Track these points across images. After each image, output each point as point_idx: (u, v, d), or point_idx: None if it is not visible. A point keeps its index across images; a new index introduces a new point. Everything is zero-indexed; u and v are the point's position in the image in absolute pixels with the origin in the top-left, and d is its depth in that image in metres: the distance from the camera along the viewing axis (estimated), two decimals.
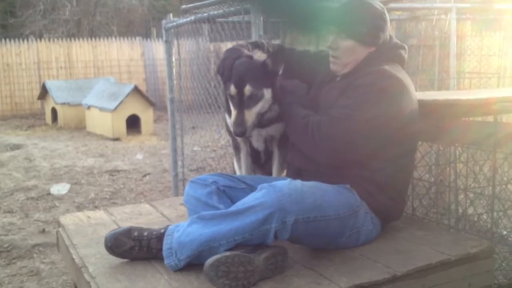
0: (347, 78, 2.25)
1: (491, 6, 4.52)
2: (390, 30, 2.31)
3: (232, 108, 2.29)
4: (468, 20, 5.35)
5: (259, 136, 2.48)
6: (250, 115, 2.25)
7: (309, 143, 2.16)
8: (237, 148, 2.61)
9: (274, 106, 2.33)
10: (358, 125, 2.07)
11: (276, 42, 3.94)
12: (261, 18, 3.32)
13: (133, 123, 9.97)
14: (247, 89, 2.23)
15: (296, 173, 2.29)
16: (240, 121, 2.23)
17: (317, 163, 2.19)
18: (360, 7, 2.25)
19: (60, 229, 2.57)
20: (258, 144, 2.52)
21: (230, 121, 2.43)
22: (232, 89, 2.24)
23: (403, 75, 2.22)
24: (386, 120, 2.09)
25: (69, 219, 2.64)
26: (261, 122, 2.33)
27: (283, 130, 2.42)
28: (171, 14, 5.13)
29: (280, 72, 2.32)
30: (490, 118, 2.52)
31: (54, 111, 11.44)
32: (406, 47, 2.36)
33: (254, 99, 2.25)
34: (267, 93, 2.28)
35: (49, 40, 14.29)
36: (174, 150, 5.20)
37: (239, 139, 2.54)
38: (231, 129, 2.33)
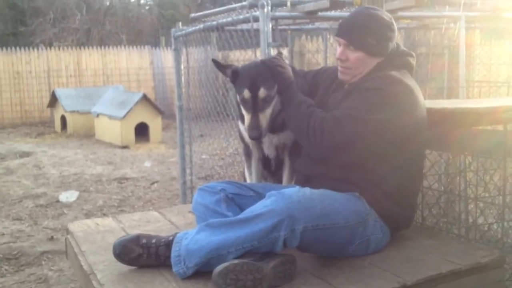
0: (355, 84, 2.24)
1: (500, 15, 4.50)
2: (398, 39, 2.31)
3: (245, 112, 2.29)
4: (477, 29, 5.34)
5: (270, 143, 2.48)
6: (265, 118, 2.26)
7: (308, 137, 2.13)
8: (248, 155, 2.62)
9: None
10: (360, 126, 2.05)
11: (285, 49, 3.94)
12: (270, 26, 3.33)
13: (141, 131, 10.01)
14: (262, 92, 2.24)
15: (304, 180, 2.28)
16: (255, 124, 2.24)
17: (325, 170, 2.19)
18: (369, 18, 2.23)
19: (68, 236, 2.58)
20: (269, 151, 2.52)
21: (242, 127, 2.43)
22: (246, 93, 2.25)
23: (411, 81, 2.21)
24: (390, 125, 2.08)
25: (78, 226, 2.65)
26: (274, 126, 2.33)
27: (294, 138, 2.42)
28: (180, 23, 5.16)
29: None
30: (500, 127, 2.50)
31: (63, 119, 11.52)
32: (414, 55, 2.35)
33: (268, 101, 2.27)
34: (276, 93, 2.29)
35: (59, 48, 14.43)
36: (183, 158, 5.21)
37: (251, 145, 2.54)
38: (246, 133, 2.33)
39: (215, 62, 2.35)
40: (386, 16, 2.26)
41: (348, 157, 2.13)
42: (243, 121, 2.38)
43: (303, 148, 2.35)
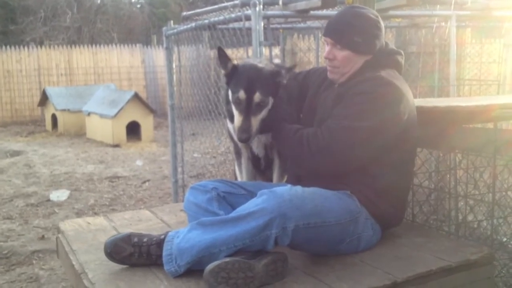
0: (345, 85, 2.25)
1: (490, 14, 4.53)
2: (390, 38, 2.32)
3: (236, 112, 2.27)
4: (468, 28, 5.37)
5: (259, 142, 2.47)
6: (256, 122, 2.25)
7: (307, 156, 2.15)
8: (238, 153, 2.61)
9: (273, 112, 2.33)
10: (357, 135, 2.07)
11: (276, 48, 3.95)
12: (262, 25, 3.34)
13: (133, 129, 9.98)
14: (257, 96, 2.22)
15: (295, 179, 2.29)
16: (245, 127, 2.22)
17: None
18: (354, 17, 2.24)
19: (59, 235, 2.57)
20: (258, 150, 2.52)
21: (231, 126, 2.42)
22: (242, 95, 2.22)
23: (400, 81, 2.22)
24: (384, 128, 2.10)
25: (69, 225, 2.64)
26: (261, 127, 2.32)
27: None
28: (171, 21, 5.15)
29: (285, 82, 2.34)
30: (490, 125, 2.52)
31: (54, 118, 11.46)
32: (403, 53, 2.36)
33: (262, 106, 2.25)
34: (271, 100, 2.29)
35: (50, 47, 14.35)
36: (174, 156, 5.21)
37: (240, 144, 2.53)
38: (235, 134, 2.32)
39: (220, 50, 2.31)
40: (372, 14, 2.27)
41: (346, 165, 2.14)
42: (231, 119, 2.37)
43: None
